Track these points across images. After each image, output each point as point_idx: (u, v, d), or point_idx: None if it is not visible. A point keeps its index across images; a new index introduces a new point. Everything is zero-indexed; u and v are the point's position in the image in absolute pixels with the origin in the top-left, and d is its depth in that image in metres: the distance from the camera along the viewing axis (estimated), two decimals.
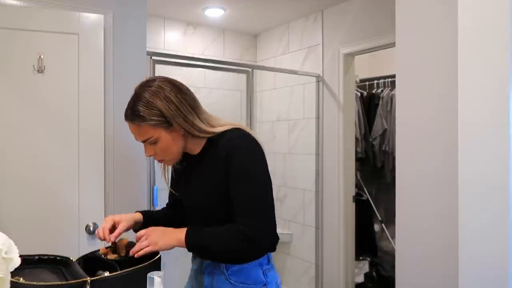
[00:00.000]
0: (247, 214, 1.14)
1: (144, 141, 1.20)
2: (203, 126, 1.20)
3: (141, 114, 1.14)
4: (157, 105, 1.14)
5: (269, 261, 1.26)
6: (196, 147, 1.26)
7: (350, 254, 3.04)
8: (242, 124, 1.28)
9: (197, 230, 1.16)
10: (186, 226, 1.19)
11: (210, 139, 1.24)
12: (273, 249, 1.24)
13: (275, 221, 1.18)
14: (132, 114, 1.16)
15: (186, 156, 1.29)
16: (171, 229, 1.19)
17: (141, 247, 1.12)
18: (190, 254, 1.32)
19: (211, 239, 1.15)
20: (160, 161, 1.26)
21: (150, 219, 1.33)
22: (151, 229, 1.17)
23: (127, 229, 1.26)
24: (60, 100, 1.95)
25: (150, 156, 1.24)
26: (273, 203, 1.19)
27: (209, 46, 3.57)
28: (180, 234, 1.15)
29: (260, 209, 1.15)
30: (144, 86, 1.18)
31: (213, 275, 1.24)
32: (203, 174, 1.24)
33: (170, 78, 1.22)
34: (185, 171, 1.31)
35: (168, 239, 1.15)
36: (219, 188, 1.19)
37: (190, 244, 1.14)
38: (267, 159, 1.26)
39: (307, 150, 3.25)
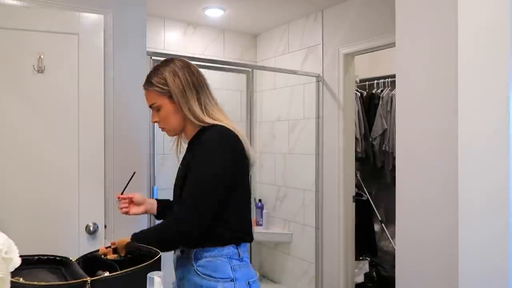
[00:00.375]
0: (181, 201, 1.26)
1: (150, 106, 1.35)
2: (197, 110, 1.29)
3: (151, 80, 1.32)
4: (165, 76, 1.30)
5: (239, 257, 1.28)
6: (189, 132, 1.35)
7: (350, 254, 3.04)
8: (233, 124, 1.32)
9: (138, 234, 1.25)
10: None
11: (202, 128, 1.31)
12: (240, 241, 1.28)
13: (203, 214, 1.21)
14: (146, 80, 1.35)
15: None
16: None
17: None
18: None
19: (149, 231, 1.29)
20: (162, 129, 1.38)
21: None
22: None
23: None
24: (60, 100, 1.95)
25: (155, 122, 1.37)
26: (211, 199, 1.22)
27: (209, 46, 3.57)
28: None
29: (190, 199, 1.22)
30: (164, 61, 1.36)
31: (184, 267, 1.30)
32: (183, 161, 1.35)
33: (187, 61, 1.37)
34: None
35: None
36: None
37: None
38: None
39: (307, 150, 3.25)
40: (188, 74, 1.31)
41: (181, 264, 1.33)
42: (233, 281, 1.24)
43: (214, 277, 1.24)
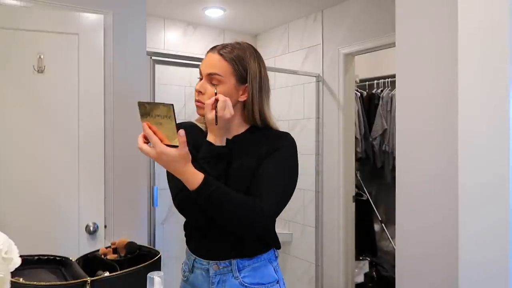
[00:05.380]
0: (271, 196, 1.10)
1: (208, 74, 1.14)
2: (268, 112, 1.19)
3: (231, 54, 1.13)
4: (248, 60, 1.15)
5: (276, 258, 1.27)
6: (235, 127, 1.21)
7: (350, 254, 3.04)
8: None
9: (214, 181, 1.06)
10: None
11: (253, 128, 1.22)
12: (279, 245, 1.26)
13: (277, 215, 1.18)
14: (224, 47, 1.15)
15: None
16: (189, 166, 1.03)
17: (144, 148, 1.05)
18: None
19: (226, 195, 1.06)
20: (198, 102, 1.15)
21: None
22: (172, 151, 1.01)
23: None
24: (60, 100, 1.95)
25: (198, 92, 1.14)
26: (286, 204, 1.19)
27: (209, 46, 3.53)
28: (193, 177, 1.03)
29: (282, 200, 1.15)
30: (248, 44, 1.21)
31: (224, 283, 1.17)
32: (247, 155, 1.17)
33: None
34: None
35: (176, 169, 1.02)
36: (255, 169, 1.15)
37: (202, 191, 1.03)
38: None
39: (307, 150, 3.25)
40: (266, 76, 1.20)
41: (220, 281, 1.17)
42: (278, 282, 1.22)
43: (263, 284, 1.19)
